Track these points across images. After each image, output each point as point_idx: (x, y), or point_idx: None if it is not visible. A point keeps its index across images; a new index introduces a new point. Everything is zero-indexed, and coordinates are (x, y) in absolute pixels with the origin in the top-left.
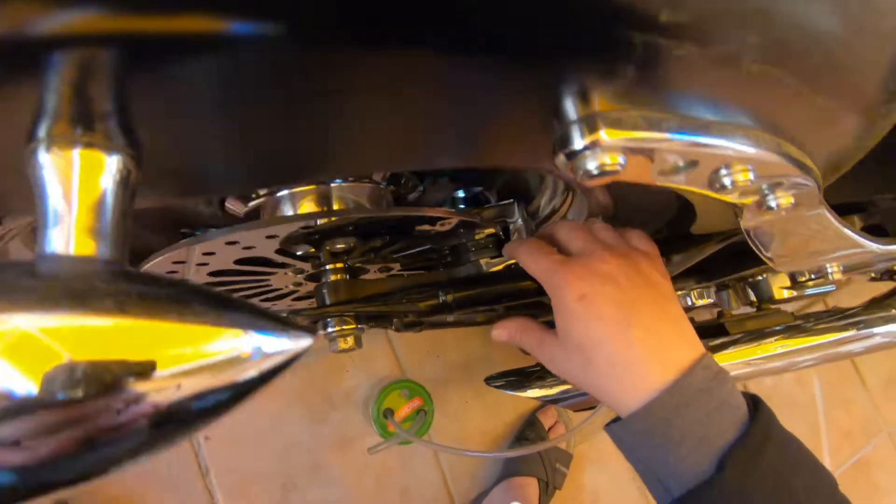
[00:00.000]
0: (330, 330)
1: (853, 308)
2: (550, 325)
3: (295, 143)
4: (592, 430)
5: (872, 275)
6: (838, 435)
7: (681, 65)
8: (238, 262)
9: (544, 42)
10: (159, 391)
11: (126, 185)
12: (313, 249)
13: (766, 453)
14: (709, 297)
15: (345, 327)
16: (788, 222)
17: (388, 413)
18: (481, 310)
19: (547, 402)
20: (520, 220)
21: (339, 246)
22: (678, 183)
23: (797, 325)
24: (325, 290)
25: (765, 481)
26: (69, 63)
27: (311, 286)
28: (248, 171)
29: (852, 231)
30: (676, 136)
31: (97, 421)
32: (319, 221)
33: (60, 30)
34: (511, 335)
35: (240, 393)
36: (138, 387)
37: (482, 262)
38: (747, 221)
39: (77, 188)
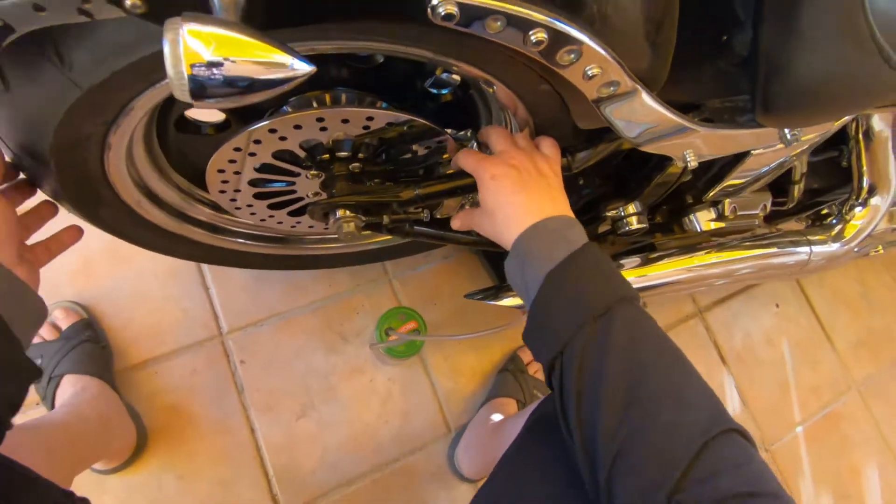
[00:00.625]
0: (337, 216)
1: (770, 233)
2: None
3: None
4: None
5: (806, 222)
6: (806, 390)
7: None
8: (275, 155)
9: None
10: (225, 64)
11: None
12: (326, 156)
13: (568, 269)
14: (643, 224)
15: (347, 213)
16: (622, 101)
17: (389, 330)
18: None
19: (514, 307)
20: (474, 143)
21: (343, 153)
22: (505, 40)
23: (723, 243)
24: (333, 188)
25: (564, 289)
26: None
27: (324, 195)
28: None
29: (674, 112)
30: (491, 1)
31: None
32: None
33: None
34: (462, 220)
35: (273, 83)
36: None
37: (444, 171)
38: (590, 94)
39: None
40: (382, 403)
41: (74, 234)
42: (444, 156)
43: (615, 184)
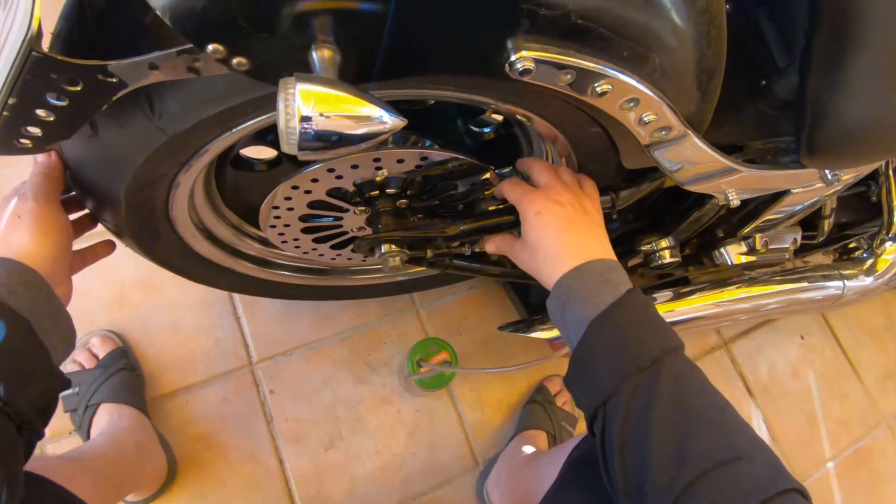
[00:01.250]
0: (382, 251)
1: (801, 267)
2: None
3: None
4: None
5: (833, 255)
6: (835, 424)
7: (549, 20)
8: (329, 192)
9: (496, 21)
10: (329, 119)
11: None
12: (376, 192)
13: (613, 317)
14: (675, 257)
15: (393, 249)
16: (673, 145)
17: (421, 361)
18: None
19: (547, 340)
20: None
21: (391, 189)
22: (572, 91)
23: (755, 278)
24: (379, 223)
25: (608, 337)
26: None
27: (369, 230)
28: None
29: (721, 154)
30: (557, 56)
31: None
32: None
33: None
34: (497, 244)
35: (370, 136)
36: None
37: (493, 194)
38: (643, 139)
39: None
40: (409, 434)
41: (108, 247)
42: (487, 192)
43: (649, 218)
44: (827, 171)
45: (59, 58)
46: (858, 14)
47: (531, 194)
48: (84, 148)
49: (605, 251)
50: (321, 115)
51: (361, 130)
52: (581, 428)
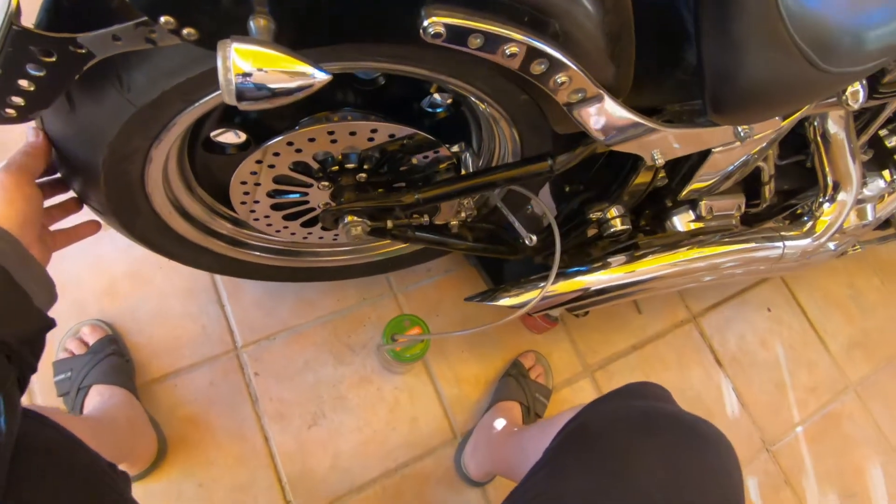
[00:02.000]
0: (346, 220)
1: (747, 229)
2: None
3: None
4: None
5: (785, 222)
6: (803, 391)
7: None
8: (291, 167)
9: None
10: (266, 73)
11: None
12: (336, 167)
13: None
14: (626, 224)
15: (355, 220)
16: (589, 105)
17: (396, 335)
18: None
19: (512, 307)
20: (467, 153)
21: (350, 164)
22: (485, 54)
23: (703, 240)
24: (342, 197)
25: None
26: None
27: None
28: None
29: (637, 114)
30: (464, 21)
31: None
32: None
33: None
34: None
35: (300, 88)
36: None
37: (440, 178)
38: (560, 99)
39: None
40: (390, 411)
41: (92, 227)
42: (441, 166)
43: (598, 189)
44: (739, 129)
45: (35, 30)
46: None
47: None
48: (64, 124)
49: None
50: (258, 70)
51: (294, 83)
52: (557, 409)
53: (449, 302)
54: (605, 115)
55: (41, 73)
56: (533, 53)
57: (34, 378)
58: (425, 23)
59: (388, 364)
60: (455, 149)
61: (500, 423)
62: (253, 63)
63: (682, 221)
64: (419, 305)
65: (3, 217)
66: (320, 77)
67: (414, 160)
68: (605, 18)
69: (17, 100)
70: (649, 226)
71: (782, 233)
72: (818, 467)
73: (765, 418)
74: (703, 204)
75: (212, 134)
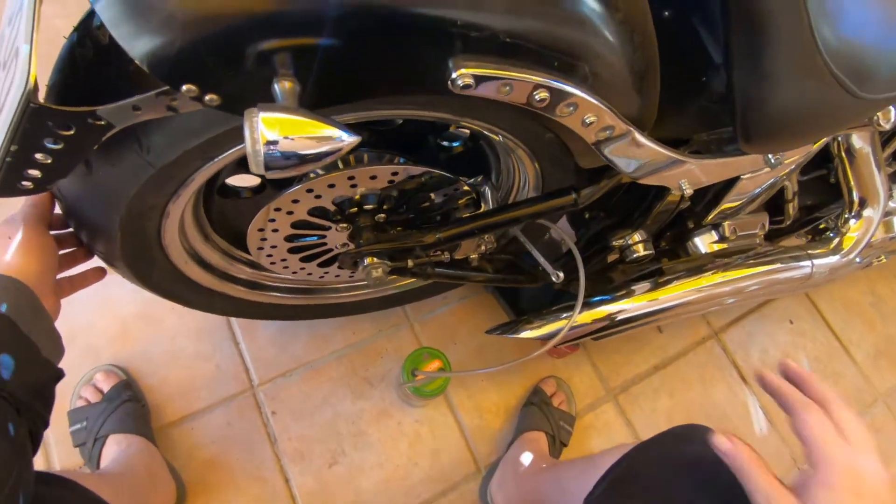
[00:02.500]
0: (366, 263)
1: (771, 249)
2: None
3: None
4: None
5: (806, 237)
6: None
7: (481, 41)
8: (310, 212)
9: (436, 44)
10: (293, 140)
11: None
12: (355, 209)
13: None
14: (649, 249)
15: (375, 262)
16: (617, 142)
17: (415, 371)
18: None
19: (536, 339)
20: (486, 187)
21: (369, 206)
22: (514, 100)
23: (728, 262)
24: (360, 239)
25: None
26: None
27: (352, 246)
28: None
29: (666, 148)
30: (492, 70)
31: None
32: (360, 184)
33: None
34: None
35: (328, 153)
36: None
37: (459, 215)
38: (589, 138)
39: None
40: (411, 445)
41: (98, 274)
42: (460, 202)
43: (620, 215)
44: (769, 156)
45: (53, 107)
46: (760, 9)
47: (857, 458)
48: (81, 185)
49: None
50: (285, 137)
51: (322, 149)
52: (583, 436)
53: (466, 330)
54: (633, 150)
55: (59, 146)
56: (561, 96)
57: (49, 429)
58: (454, 75)
59: (407, 397)
60: (472, 180)
61: (527, 457)
62: (280, 131)
63: (704, 243)
64: (436, 334)
65: (22, 268)
66: (349, 140)
67: (433, 196)
68: (634, 56)
69: (34, 172)
70: (670, 247)
71: (809, 251)
72: None
73: (793, 435)
74: (726, 225)
75: (228, 180)
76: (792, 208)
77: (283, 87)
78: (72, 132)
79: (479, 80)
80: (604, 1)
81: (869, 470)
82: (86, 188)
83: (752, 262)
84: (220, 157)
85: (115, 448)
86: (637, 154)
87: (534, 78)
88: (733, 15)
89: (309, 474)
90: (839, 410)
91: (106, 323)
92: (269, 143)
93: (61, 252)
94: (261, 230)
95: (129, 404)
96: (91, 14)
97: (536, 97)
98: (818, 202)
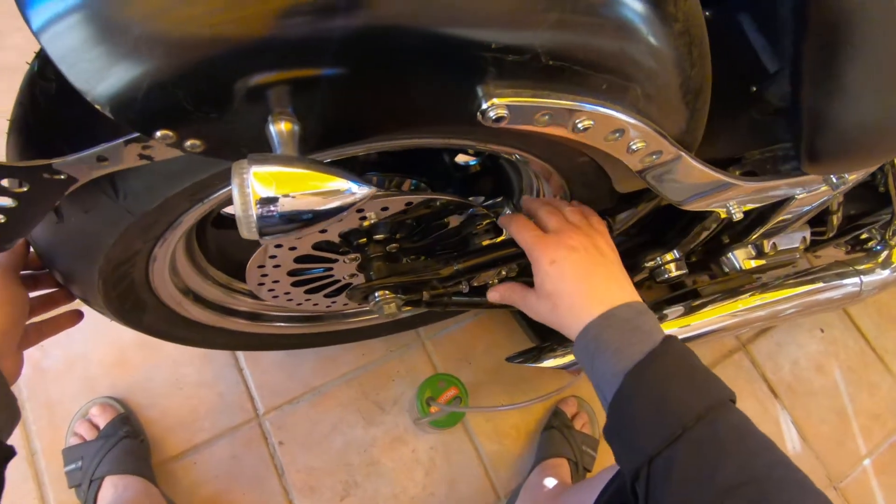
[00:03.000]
0: (377, 297)
1: (814, 267)
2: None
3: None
4: None
5: (845, 248)
6: (867, 417)
7: (519, 65)
8: (314, 246)
9: (462, 71)
10: (294, 199)
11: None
12: (364, 239)
13: (654, 367)
14: (682, 269)
15: (387, 296)
16: (664, 168)
17: (430, 400)
18: (483, 275)
19: (557, 368)
20: (507, 210)
21: (379, 235)
22: (553, 130)
23: (767, 283)
24: (371, 271)
25: (647, 388)
26: None
27: (361, 276)
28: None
29: (719, 171)
30: (531, 99)
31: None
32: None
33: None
34: (502, 294)
35: (335, 211)
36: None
37: (482, 242)
38: (634, 166)
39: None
40: (427, 474)
41: (74, 318)
42: (478, 226)
43: (652, 233)
44: (832, 175)
45: None
46: (847, 18)
47: (543, 242)
48: (51, 234)
49: (629, 293)
50: (284, 195)
51: (329, 206)
52: (607, 458)
53: (481, 348)
54: (681, 175)
55: (13, 205)
56: (609, 124)
57: (44, 466)
58: (484, 105)
59: (421, 425)
60: (491, 201)
61: (550, 482)
62: (277, 187)
63: (740, 259)
64: (448, 353)
65: None
66: (360, 193)
67: (449, 222)
68: (691, 73)
69: None
70: (701, 262)
71: (856, 267)
72: (891, 502)
73: (829, 452)
74: (766, 240)
75: (223, 210)
76: (836, 220)
77: (279, 128)
78: (25, 189)
79: (514, 110)
80: (661, 10)
81: (569, 226)
82: (57, 237)
83: (793, 281)
84: (209, 199)
85: (111, 492)
86: (685, 179)
87: (580, 106)
88: (812, 23)
89: None
90: (537, 210)
91: (103, 351)
92: (263, 202)
93: (36, 294)
94: (261, 266)
95: (126, 441)
96: None
97: (579, 125)
98: (861, 211)
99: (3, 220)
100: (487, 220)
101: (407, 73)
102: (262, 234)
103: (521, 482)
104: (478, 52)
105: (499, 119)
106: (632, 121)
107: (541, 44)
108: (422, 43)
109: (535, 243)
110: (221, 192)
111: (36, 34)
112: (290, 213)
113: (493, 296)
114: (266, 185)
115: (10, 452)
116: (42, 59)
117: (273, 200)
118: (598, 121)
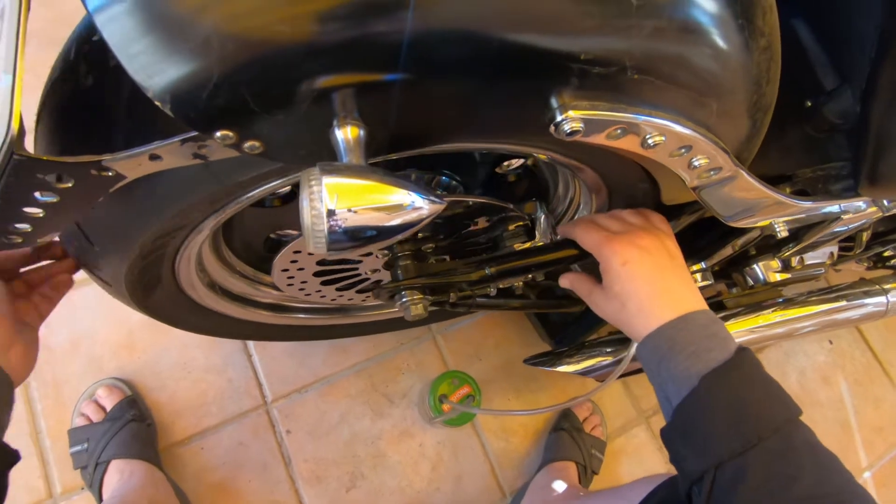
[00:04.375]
0: (404, 300)
1: (840, 284)
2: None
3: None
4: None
5: (867, 263)
6: (870, 430)
7: (602, 78)
8: None
9: (539, 79)
10: (358, 214)
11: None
12: None
13: (734, 375)
14: (708, 280)
15: (415, 297)
16: (722, 184)
17: (443, 397)
18: (515, 281)
19: (574, 374)
20: (542, 213)
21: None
22: (621, 145)
23: (791, 299)
24: (399, 270)
25: (724, 394)
26: None
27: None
28: None
29: (773, 190)
30: (609, 114)
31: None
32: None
33: None
34: (571, 282)
35: (407, 226)
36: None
37: (514, 246)
38: (691, 181)
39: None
40: (433, 468)
41: (67, 278)
42: (510, 227)
43: (683, 240)
44: (885, 200)
45: (45, 158)
46: None
47: (613, 243)
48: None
49: (700, 300)
50: (349, 210)
51: (396, 221)
52: (613, 460)
53: (492, 344)
54: (735, 192)
55: (54, 200)
56: (681, 141)
57: (49, 445)
58: (559, 117)
59: (428, 416)
60: (525, 204)
61: (560, 485)
62: (345, 200)
63: (765, 271)
64: (459, 348)
65: None
66: (430, 209)
67: (481, 223)
68: (766, 90)
69: (23, 226)
70: (724, 271)
71: (884, 286)
72: None
73: None
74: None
75: None
76: (866, 237)
77: (345, 134)
78: (70, 185)
79: (590, 124)
80: (753, 24)
81: (636, 227)
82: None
83: (817, 298)
84: (241, 200)
85: (116, 476)
86: (738, 195)
87: (660, 123)
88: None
89: (325, 498)
90: (599, 217)
91: (111, 331)
92: (334, 215)
93: (33, 267)
94: (285, 270)
95: (133, 424)
96: (90, 26)
97: (650, 141)
98: (890, 228)
99: (41, 215)
100: (520, 223)
101: (483, 81)
102: (330, 249)
103: (527, 481)
104: (564, 62)
105: (573, 133)
106: (703, 139)
107: (631, 55)
108: (505, 50)
109: (604, 243)
110: (263, 188)
111: (92, 14)
112: (360, 227)
113: (564, 282)
114: (338, 198)
115: (14, 458)
116: (80, 41)
117: (344, 214)
118: (669, 137)
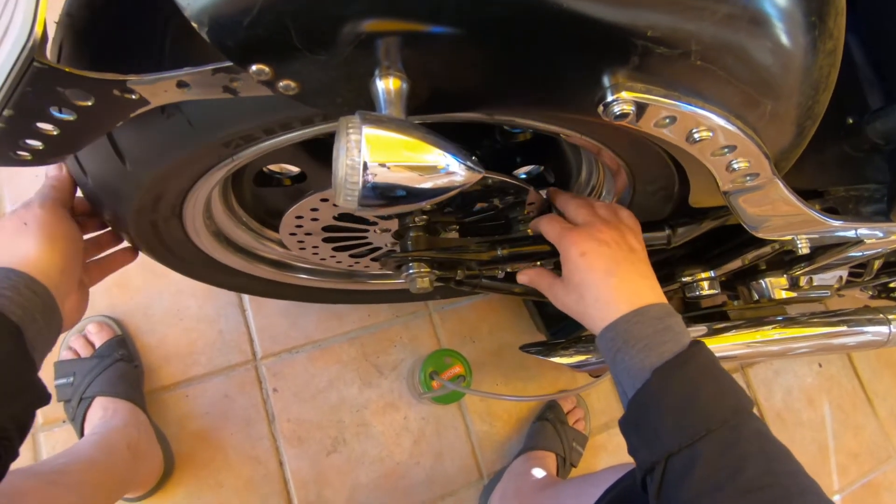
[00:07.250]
0: (411, 272)
1: (844, 309)
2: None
3: None
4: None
5: (871, 292)
6: (846, 456)
7: (664, 60)
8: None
9: (596, 53)
10: (414, 171)
11: None
12: None
13: (685, 368)
14: (715, 289)
15: (422, 270)
16: (754, 191)
17: (434, 374)
18: (523, 267)
19: (566, 366)
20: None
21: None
22: (666, 135)
23: (793, 318)
24: (409, 241)
25: (674, 387)
26: None
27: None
28: None
29: (805, 204)
30: (664, 100)
31: None
32: None
33: None
34: (530, 278)
35: (443, 190)
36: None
37: (529, 230)
38: (724, 185)
39: None
40: (415, 443)
41: (129, 256)
42: (525, 210)
43: (693, 248)
44: None
45: (67, 70)
46: None
47: (573, 234)
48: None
49: (657, 294)
50: (382, 165)
51: (429, 184)
52: (592, 456)
53: (486, 328)
54: (767, 202)
55: (70, 118)
56: (728, 138)
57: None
58: (609, 97)
59: (416, 391)
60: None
61: (538, 473)
62: (381, 155)
63: (773, 287)
64: (454, 328)
65: (41, 262)
66: (466, 176)
67: (497, 202)
68: (820, 97)
69: (35, 143)
70: (730, 282)
71: (888, 315)
72: None
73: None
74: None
75: (265, 167)
76: (878, 264)
77: (387, 85)
78: (89, 103)
79: (641, 108)
80: (824, 24)
81: (600, 220)
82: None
83: (818, 320)
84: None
85: (100, 413)
86: (769, 206)
87: (712, 118)
88: None
89: (305, 460)
90: (566, 203)
91: None
92: (371, 168)
93: (85, 237)
94: (299, 217)
95: (121, 364)
96: None
97: (696, 135)
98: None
99: (55, 133)
100: (536, 204)
101: (535, 46)
102: (362, 205)
103: (506, 465)
104: (629, 36)
105: (622, 115)
106: (750, 140)
107: (699, 39)
108: (565, 15)
109: (563, 234)
110: (286, 136)
111: None
112: (390, 185)
113: (522, 278)
114: (372, 150)
115: (47, 398)
116: None
117: (376, 168)
118: (717, 133)
